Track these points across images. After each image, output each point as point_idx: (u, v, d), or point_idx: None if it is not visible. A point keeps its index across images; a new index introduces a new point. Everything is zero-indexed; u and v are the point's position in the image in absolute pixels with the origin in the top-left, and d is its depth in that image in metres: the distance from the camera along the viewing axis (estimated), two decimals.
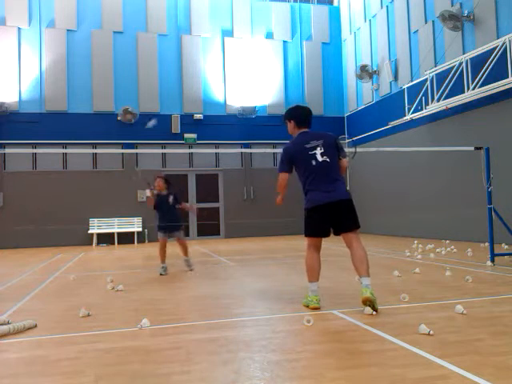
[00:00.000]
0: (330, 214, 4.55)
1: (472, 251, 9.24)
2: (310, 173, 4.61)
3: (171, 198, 7.93)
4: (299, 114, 4.89)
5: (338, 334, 3.75)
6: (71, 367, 3.12)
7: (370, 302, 4.30)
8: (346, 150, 5.07)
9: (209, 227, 17.39)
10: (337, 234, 4.67)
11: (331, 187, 4.56)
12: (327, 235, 4.67)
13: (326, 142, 4.66)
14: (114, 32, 17.09)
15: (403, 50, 15.20)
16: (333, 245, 12.47)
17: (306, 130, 4.85)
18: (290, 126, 4.91)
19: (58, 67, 16.47)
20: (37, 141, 15.92)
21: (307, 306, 4.65)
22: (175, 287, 6.38)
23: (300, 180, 4.76)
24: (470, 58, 11.73)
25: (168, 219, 7.84)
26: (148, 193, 7.96)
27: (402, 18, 15.20)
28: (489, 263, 7.46)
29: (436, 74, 13.02)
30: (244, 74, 18.06)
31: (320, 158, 4.58)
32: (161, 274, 7.63)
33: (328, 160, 4.59)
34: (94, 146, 16.48)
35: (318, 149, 4.60)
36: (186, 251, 8.04)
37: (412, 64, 14.78)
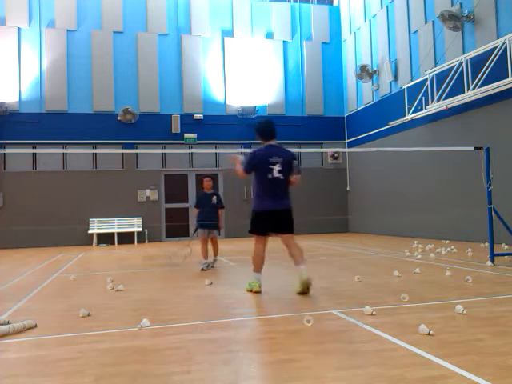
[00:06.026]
0: (271, 219, 5.53)
1: (472, 251, 9.24)
2: (264, 183, 5.51)
3: None
4: (262, 130, 5.70)
5: (338, 333, 3.75)
6: (71, 367, 3.11)
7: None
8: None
9: None
10: (277, 234, 5.63)
11: (277, 198, 5.53)
12: (267, 234, 5.62)
13: (284, 161, 5.52)
14: (114, 32, 17.09)
15: (403, 50, 15.19)
16: (332, 245, 12.47)
17: (272, 142, 5.66)
18: (258, 138, 5.75)
19: (58, 67, 16.48)
20: (37, 141, 15.94)
21: (251, 291, 5.55)
22: (175, 287, 6.38)
23: (254, 182, 5.63)
24: (470, 58, 11.72)
25: None
26: None
27: (402, 17, 15.20)
28: (489, 263, 7.46)
29: (436, 74, 13.01)
30: (244, 74, 18.05)
31: (276, 174, 5.48)
32: None
33: (281, 177, 5.51)
34: (94, 146, 16.49)
35: (277, 165, 5.48)
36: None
37: (412, 64, 14.77)
